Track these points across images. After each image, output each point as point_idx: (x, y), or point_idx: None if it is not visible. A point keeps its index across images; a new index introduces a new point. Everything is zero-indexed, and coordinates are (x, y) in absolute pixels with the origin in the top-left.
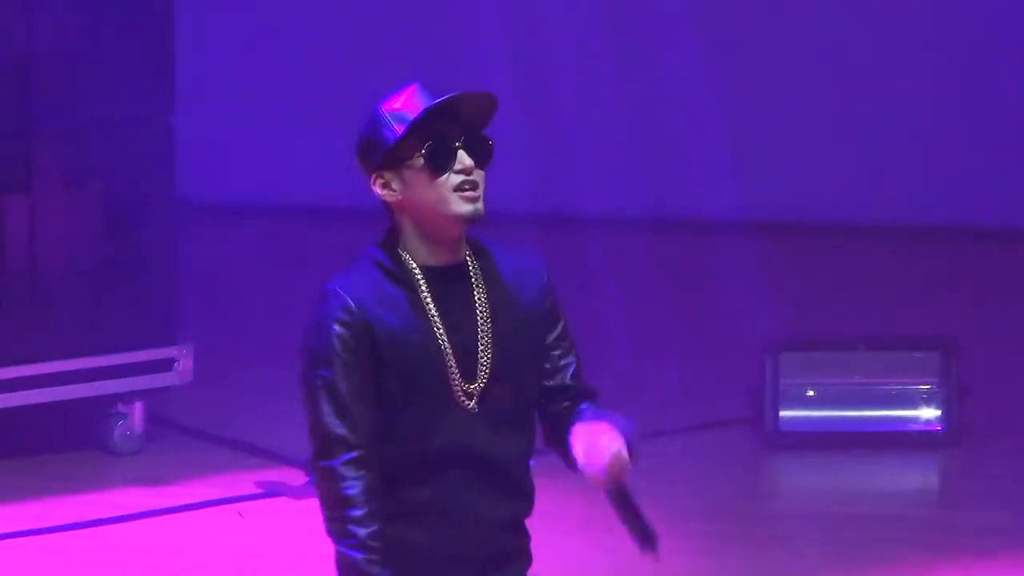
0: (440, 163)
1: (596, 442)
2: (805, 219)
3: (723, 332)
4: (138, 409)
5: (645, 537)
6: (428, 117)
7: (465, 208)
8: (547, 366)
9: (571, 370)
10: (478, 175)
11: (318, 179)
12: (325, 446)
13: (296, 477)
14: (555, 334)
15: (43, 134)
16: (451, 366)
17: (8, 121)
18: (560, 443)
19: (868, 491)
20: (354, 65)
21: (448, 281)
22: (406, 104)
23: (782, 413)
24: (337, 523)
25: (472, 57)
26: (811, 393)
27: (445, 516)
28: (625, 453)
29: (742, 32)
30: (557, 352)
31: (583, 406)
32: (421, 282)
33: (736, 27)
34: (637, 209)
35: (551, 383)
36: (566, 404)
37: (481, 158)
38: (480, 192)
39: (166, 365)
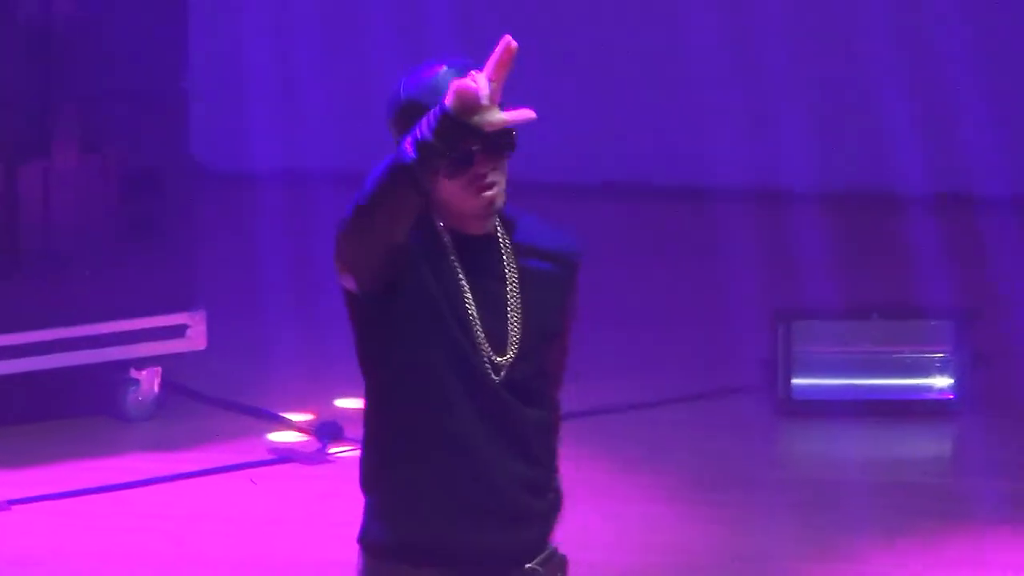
0: (456, 170)
1: None
2: (816, 188)
3: (735, 300)
4: (151, 375)
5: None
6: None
7: (481, 203)
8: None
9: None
10: (498, 170)
11: (331, 144)
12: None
13: (308, 443)
14: (565, 329)
15: (59, 101)
16: (479, 339)
17: (24, 88)
18: None
19: (881, 459)
20: (368, 30)
21: (478, 252)
22: (429, 87)
23: (794, 381)
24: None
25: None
26: (824, 361)
27: (461, 467)
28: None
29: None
30: (554, 356)
31: None
32: (452, 251)
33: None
34: (645, 177)
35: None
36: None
37: (503, 149)
38: (498, 188)
39: (179, 331)
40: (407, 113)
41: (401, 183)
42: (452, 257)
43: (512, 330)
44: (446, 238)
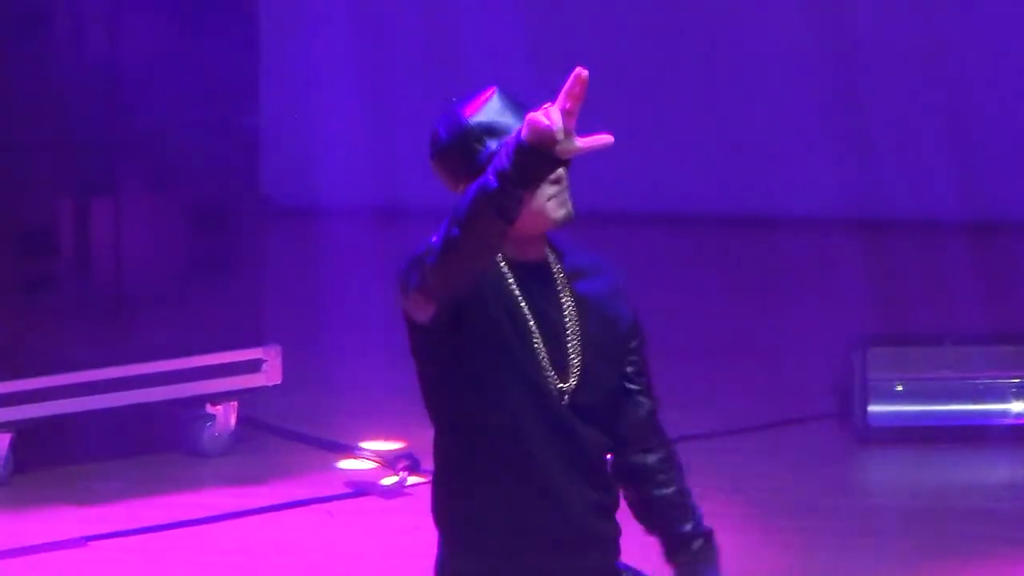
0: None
1: None
2: (892, 215)
3: (811, 327)
4: (226, 410)
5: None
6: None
7: (560, 213)
8: (629, 370)
9: (645, 408)
10: (565, 178)
11: (404, 180)
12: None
13: (385, 476)
14: (636, 342)
15: (128, 139)
16: (545, 366)
17: (93, 127)
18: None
19: (958, 486)
20: (430, 68)
21: (535, 279)
22: (490, 113)
23: (871, 408)
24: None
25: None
26: (900, 388)
27: (533, 494)
28: None
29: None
30: (633, 367)
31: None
32: (510, 278)
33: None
34: (724, 205)
35: (628, 417)
36: (641, 459)
37: (567, 162)
38: (569, 194)
39: (254, 366)
40: (468, 156)
41: (487, 212)
42: (512, 285)
43: (572, 356)
44: (504, 266)
